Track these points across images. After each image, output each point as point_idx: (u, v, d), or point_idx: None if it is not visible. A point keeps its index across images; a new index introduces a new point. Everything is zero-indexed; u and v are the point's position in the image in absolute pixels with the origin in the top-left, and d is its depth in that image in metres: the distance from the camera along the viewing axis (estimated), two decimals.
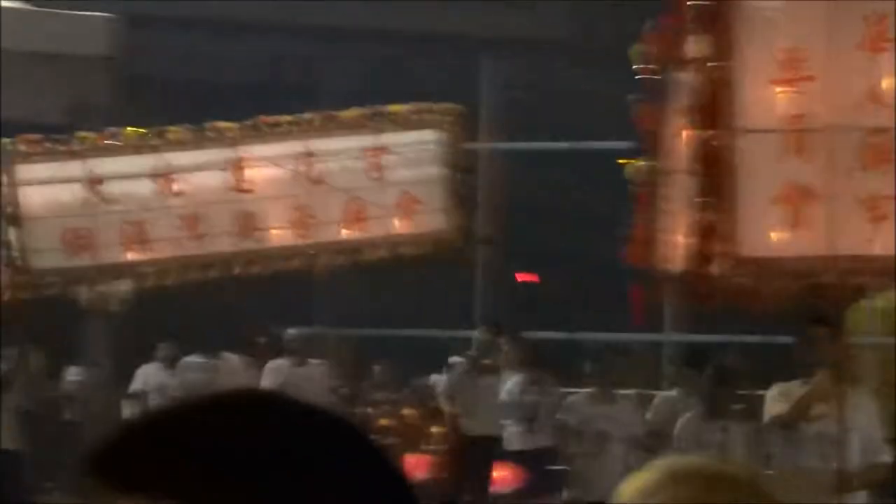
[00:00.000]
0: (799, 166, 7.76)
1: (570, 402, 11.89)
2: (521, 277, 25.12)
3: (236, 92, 22.29)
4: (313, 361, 14.33)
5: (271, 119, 12.14)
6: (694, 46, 7.96)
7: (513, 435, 13.24)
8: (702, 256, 7.89)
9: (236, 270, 12.26)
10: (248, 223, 12.07)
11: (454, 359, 13.54)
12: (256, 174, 12.07)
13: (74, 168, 12.03)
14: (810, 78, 7.76)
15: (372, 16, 26.23)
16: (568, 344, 20.51)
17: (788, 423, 8.34)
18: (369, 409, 15.87)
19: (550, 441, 13.00)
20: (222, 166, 12.04)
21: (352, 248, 12.19)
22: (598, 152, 22.56)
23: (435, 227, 12.21)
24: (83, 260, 12.09)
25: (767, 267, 7.90)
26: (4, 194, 11.94)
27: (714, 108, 7.85)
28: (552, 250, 24.54)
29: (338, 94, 20.31)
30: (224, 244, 12.11)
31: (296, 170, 12.01)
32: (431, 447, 15.10)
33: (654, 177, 9.36)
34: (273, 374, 13.65)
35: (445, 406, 13.83)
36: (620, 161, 10.53)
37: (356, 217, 12.09)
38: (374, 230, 12.13)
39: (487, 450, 13.27)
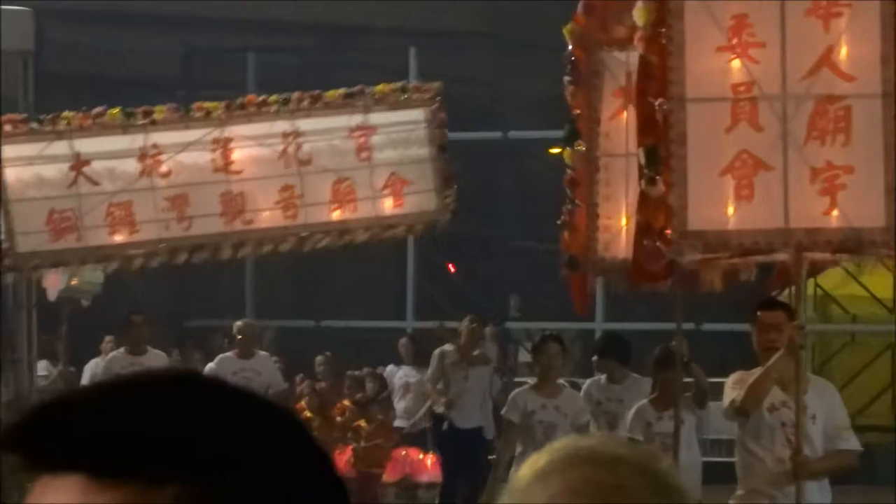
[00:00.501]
0: (750, 136, 7.50)
1: (514, 396, 11.02)
2: (452, 267, 25.20)
3: (149, 85, 22.22)
4: (261, 353, 14.53)
5: (259, 98, 12.04)
6: (638, 14, 7.71)
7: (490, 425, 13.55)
8: (650, 231, 7.68)
9: (225, 253, 12.19)
10: (235, 204, 11.97)
11: (445, 348, 13.61)
12: (243, 154, 11.96)
13: (60, 148, 11.84)
14: (760, 45, 7.54)
15: (294, 8, 26.10)
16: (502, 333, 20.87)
17: (743, 410, 8.05)
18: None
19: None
20: (209, 146, 11.92)
21: (340, 229, 12.13)
22: (529, 141, 22.97)
23: (423, 208, 12.18)
24: (68, 242, 11.90)
25: (718, 241, 7.61)
26: None
27: (660, 78, 7.61)
28: (482, 238, 24.55)
29: (262, 87, 20.21)
30: (212, 226, 12.02)
31: (283, 150, 11.93)
32: (362, 442, 15.34)
33: (590, 162, 9.31)
34: (220, 366, 13.74)
35: (432, 395, 13.93)
36: (552, 150, 10.53)
37: (345, 198, 12.02)
38: (362, 211, 12.07)
39: (475, 440, 13.38)
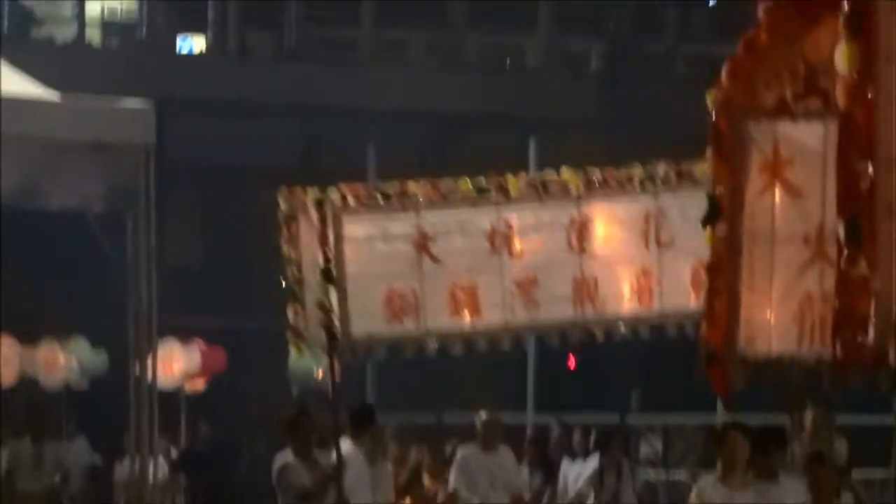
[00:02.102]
0: None
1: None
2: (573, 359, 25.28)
3: (274, 176, 22.11)
4: (502, 447, 14.27)
5: (621, 172, 11.11)
6: (841, 58, 6.63)
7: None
8: (851, 320, 6.62)
9: (573, 339, 11.25)
10: (588, 288, 11.02)
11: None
12: (599, 234, 11.05)
13: (403, 222, 10.91)
14: None
15: (409, 96, 26.33)
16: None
17: None
18: None
19: None
20: (565, 224, 11.00)
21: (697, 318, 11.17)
22: None
23: None
24: (406, 325, 10.94)
25: None
26: (324, 249, 10.76)
27: (866, 137, 6.56)
28: None
29: (381, 176, 19.82)
30: (561, 312, 11.07)
31: (644, 230, 11.00)
32: None
33: (733, 246, 8.11)
34: (464, 461, 13.87)
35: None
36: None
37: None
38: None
39: None
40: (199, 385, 20.52)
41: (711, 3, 31.23)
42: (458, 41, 27.78)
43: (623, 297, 11.09)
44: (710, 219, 8.07)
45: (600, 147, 25.26)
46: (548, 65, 29.51)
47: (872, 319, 6.37)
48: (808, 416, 11.87)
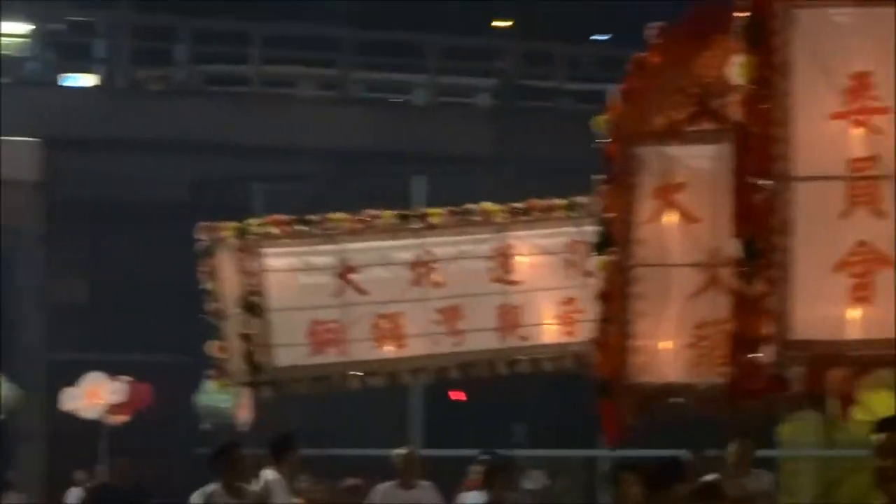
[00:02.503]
0: (870, 224, 6.30)
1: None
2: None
3: (162, 212, 22.39)
4: (423, 483, 14.01)
5: (544, 202, 11.22)
6: (738, 71, 6.59)
7: None
8: (747, 341, 6.53)
9: (499, 370, 11.30)
10: (512, 318, 11.12)
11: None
12: (524, 263, 11.16)
13: (325, 253, 10.93)
14: (885, 111, 6.31)
15: (298, 133, 26.94)
16: None
17: None
18: None
19: None
20: (487, 253, 11.10)
21: None
22: None
23: None
24: (328, 356, 10.94)
25: (830, 353, 6.44)
26: (246, 282, 10.72)
27: (762, 152, 6.45)
28: None
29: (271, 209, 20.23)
30: (485, 341, 11.15)
31: (568, 258, 11.12)
32: None
33: (623, 273, 8.12)
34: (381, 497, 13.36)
35: None
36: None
37: None
38: None
39: None
40: (121, 420, 20.78)
41: (603, 38, 31.73)
42: (346, 77, 28.09)
43: (547, 326, 11.20)
44: (600, 246, 8.11)
45: (491, 183, 25.60)
46: (436, 102, 29.82)
47: (769, 339, 6.31)
48: (732, 449, 11.99)
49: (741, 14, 6.33)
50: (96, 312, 27.22)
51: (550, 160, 26.52)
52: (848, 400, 6.42)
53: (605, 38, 32.66)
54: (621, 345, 7.95)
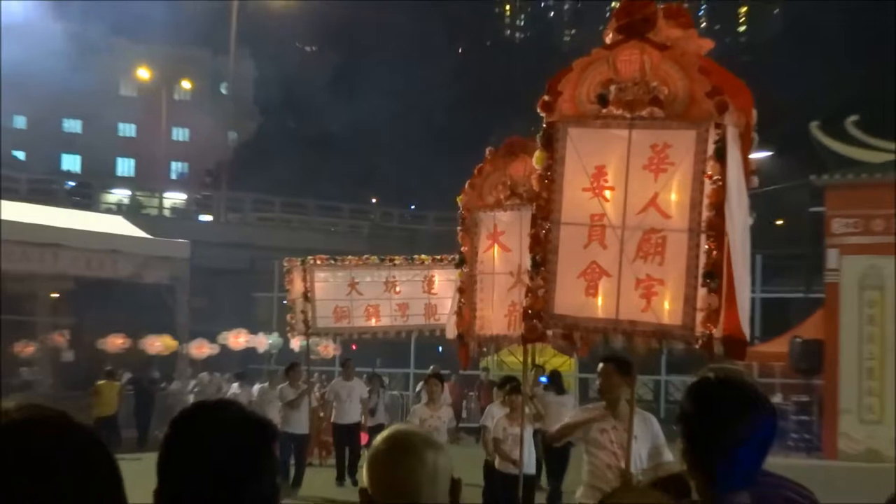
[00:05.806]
0: (598, 252, 7.94)
1: (414, 409, 17.39)
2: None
3: None
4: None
5: (448, 256, 22.27)
6: (536, 159, 8.25)
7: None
8: (531, 313, 8.22)
9: (426, 335, 22.32)
10: (431, 310, 22.06)
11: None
12: (436, 283, 21.78)
13: (342, 274, 21.91)
14: (611, 188, 7.89)
15: None
16: None
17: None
18: None
19: (384, 420, 23.83)
20: (421, 278, 21.84)
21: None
22: None
23: None
24: (342, 324, 21.80)
25: (574, 323, 8.09)
26: (306, 287, 21.95)
27: (545, 207, 8.09)
28: None
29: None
30: (418, 321, 21.88)
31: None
32: None
33: (471, 278, 11.09)
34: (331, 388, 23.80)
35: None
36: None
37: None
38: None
39: (353, 430, 23.52)
40: None
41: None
42: None
43: (445, 314, 20.23)
44: (459, 265, 11.43)
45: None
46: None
47: (543, 313, 8.18)
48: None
49: (539, 128, 8.13)
50: None
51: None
52: (581, 350, 8.40)
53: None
54: (471, 315, 11.00)
